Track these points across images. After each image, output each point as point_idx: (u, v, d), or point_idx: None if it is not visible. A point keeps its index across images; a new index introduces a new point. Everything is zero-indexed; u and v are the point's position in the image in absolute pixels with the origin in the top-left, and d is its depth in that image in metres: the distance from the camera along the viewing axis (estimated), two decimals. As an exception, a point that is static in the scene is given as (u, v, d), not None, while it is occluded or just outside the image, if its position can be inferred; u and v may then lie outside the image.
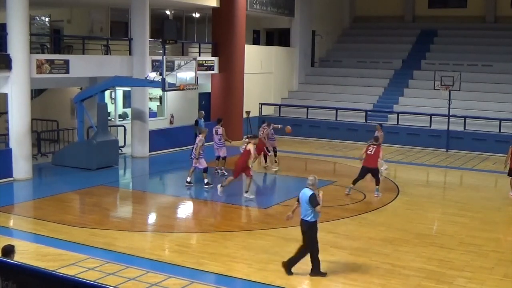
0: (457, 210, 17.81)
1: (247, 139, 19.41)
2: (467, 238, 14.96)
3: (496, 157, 25.91)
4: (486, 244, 14.48)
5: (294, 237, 14.67)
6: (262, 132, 23.07)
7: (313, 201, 11.95)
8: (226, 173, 21.13)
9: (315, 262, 12.24)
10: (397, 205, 18.29)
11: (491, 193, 20.97)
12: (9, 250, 8.91)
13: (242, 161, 18.67)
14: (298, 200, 12.44)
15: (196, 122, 24.78)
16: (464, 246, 14.27)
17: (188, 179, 19.99)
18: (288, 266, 12.27)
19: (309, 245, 12.23)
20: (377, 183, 19.22)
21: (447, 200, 19.36)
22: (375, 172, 19.21)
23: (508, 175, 19.59)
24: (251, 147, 18.48)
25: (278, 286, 11.63)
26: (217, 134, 21.88)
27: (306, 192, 12.16)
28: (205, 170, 19.84)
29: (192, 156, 20.14)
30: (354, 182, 19.07)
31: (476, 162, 25.56)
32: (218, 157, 22.01)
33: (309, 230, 12.16)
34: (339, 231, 15.35)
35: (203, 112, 25.97)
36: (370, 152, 19.05)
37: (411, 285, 11.88)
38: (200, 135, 19.97)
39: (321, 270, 12.26)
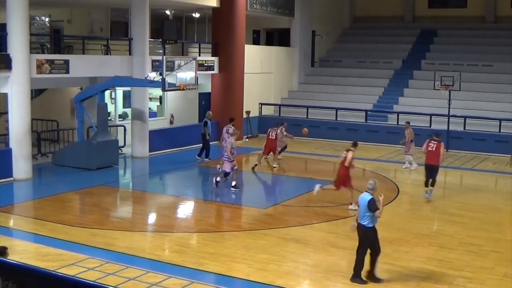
0: (457, 210, 17.80)
1: (350, 148, 17.61)
2: (467, 238, 14.96)
3: (496, 157, 25.96)
4: (486, 244, 14.48)
5: (294, 237, 14.73)
6: (276, 132, 23.36)
7: (372, 206, 11.66)
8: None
9: (359, 267, 11.90)
10: (397, 205, 18.30)
11: (491, 193, 20.96)
12: (1, 252, 8.91)
13: (343, 172, 17.39)
14: (358, 204, 12.20)
15: (205, 123, 24.72)
16: (464, 246, 14.27)
17: (233, 183, 19.43)
18: (370, 277, 11.95)
19: (376, 249, 11.91)
20: (433, 183, 18.73)
21: (447, 200, 19.33)
22: (434, 170, 18.74)
23: None
24: (350, 155, 17.33)
25: (278, 286, 11.62)
26: (227, 133, 22.18)
27: (366, 197, 11.85)
28: (226, 174, 19.43)
29: (224, 159, 19.48)
30: (426, 184, 18.83)
31: (476, 162, 25.56)
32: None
33: (365, 237, 11.83)
34: (340, 231, 15.33)
35: (211, 112, 25.91)
36: (431, 149, 18.75)
37: (411, 285, 11.88)
38: (232, 137, 19.63)
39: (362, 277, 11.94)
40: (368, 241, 11.83)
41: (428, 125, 29.09)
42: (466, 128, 28.29)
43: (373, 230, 11.85)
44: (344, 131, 30.43)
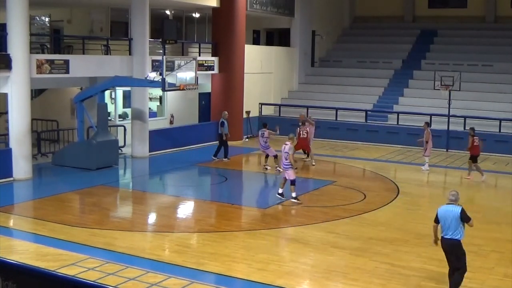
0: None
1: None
2: (466, 238, 14.84)
3: (496, 157, 25.94)
4: (486, 244, 14.48)
5: (294, 237, 14.74)
6: (307, 130, 24.05)
7: (465, 216, 11.21)
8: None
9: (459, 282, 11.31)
10: (397, 205, 18.29)
11: (491, 193, 20.98)
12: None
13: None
14: (436, 221, 11.51)
15: (222, 123, 24.66)
16: (464, 246, 14.23)
17: (280, 190, 18.33)
18: None
19: (463, 265, 11.32)
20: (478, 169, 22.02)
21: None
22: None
23: None
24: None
25: (278, 286, 11.62)
26: (262, 136, 22.88)
27: (453, 209, 11.28)
28: (293, 182, 18.00)
29: (285, 166, 18.17)
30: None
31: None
32: (267, 156, 23.17)
33: (461, 249, 11.31)
34: (339, 231, 15.33)
35: (227, 112, 25.72)
36: (476, 144, 21.97)
37: (411, 285, 11.88)
38: (289, 143, 18.20)
39: None
40: (459, 256, 11.27)
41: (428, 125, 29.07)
42: (466, 128, 28.26)
43: (461, 244, 11.32)
44: (344, 131, 30.45)
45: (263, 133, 22.85)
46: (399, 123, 29.89)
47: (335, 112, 31.41)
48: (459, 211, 11.18)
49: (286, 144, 18.19)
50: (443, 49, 36.18)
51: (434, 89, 28.43)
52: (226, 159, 24.57)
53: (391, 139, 28.63)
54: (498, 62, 33.38)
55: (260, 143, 23.03)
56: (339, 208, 17.59)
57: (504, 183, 22.25)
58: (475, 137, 22.11)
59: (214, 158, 24.62)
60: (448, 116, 27.83)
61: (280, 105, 33.47)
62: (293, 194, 17.88)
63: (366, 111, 31.18)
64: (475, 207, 18.22)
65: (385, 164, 24.84)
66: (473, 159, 22.08)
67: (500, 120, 28.03)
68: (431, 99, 30.67)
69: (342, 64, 37.02)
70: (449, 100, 27.66)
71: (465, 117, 28.59)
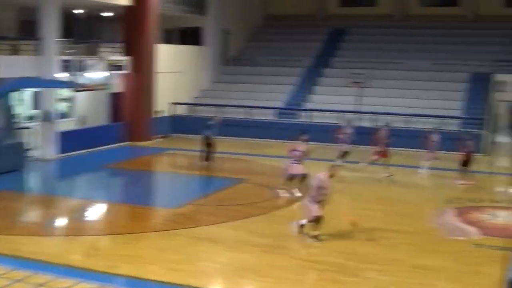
0: (372, 205, 18.16)
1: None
2: (377, 231, 15.23)
3: (408, 152, 26.35)
4: (397, 237, 14.80)
5: (206, 236, 14.66)
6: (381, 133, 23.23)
7: None
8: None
9: None
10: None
11: (405, 187, 21.45)
12: None
13: None
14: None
15: (209, 126, 23.55)
16: (376, 239, 14.53)
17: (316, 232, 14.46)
18: None
19: None
20: None
21: (359, 195, 19.68)
22: None
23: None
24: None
25: (192, 286, 11.50)
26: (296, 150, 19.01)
27: None
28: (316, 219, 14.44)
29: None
30: None
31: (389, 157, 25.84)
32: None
33: None
34: (251, 228, 15.35)
35: (217, 116, 24.82)
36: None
37: (324, 279, 12.01)
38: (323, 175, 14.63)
39: None
40: None
41: (339, 122, 29.50)
42: (378, 124, 28.82)
43: None
44: (256, 129, 30.52)
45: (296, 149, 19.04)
46: (310, 120, 30.24)
47: (248, 110, 31.47)
48: None
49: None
50: (354, 47, 36.79)
51: (345, 86, 28.91)
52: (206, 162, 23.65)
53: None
54: (408, 60, 34.25)
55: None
56: (251, 205, 17.63)
57: (417, 177, 22.84)
58: (468, 142, 22.26)
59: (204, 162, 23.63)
60: (359, 112, 28.32)
61: (193, 104, 33.30)
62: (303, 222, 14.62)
63: (277, 108, 31.43)
64: (386, 201, 18.66)
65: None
66: (465, 164, 21.98)
67: (411, 115, 28.86)
68: (342, 96, 31.12)
69: (255, 63, 37.09)
70: (360, 97, 28.13)
71: (376, 113, 29.20)
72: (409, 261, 13.20)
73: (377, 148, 22.88)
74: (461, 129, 27.91)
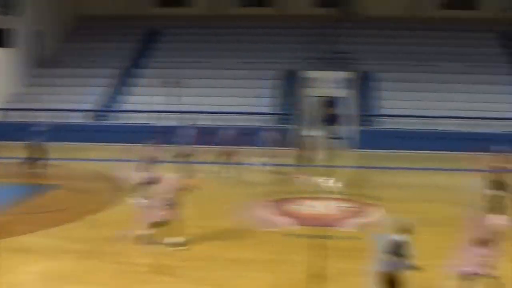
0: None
1: None
2: (192, 228, 15.21)
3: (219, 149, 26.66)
4: (212, 233, 15.13)
5: (20, 247, 14.07)
6: None
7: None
8: None
9: None
10: (125, 204, 18.08)
11: (220, 183, 21.87)
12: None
13: None
14: None
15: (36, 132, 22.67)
16: (189, 236, 14.64)
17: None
18: None
19: None
20: None
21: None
22: None
23: None
24: None
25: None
26: None
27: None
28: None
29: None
30: None
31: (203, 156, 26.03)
32: None
33: None
34: (67, 235, 15.08)
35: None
36: None
37: (141, 281, 12.10)
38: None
39: None
40: None
41: (155, 122, 29.62)
42: (199, 123, 29.20)
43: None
44: (72, 133, 29.80)
45: None
46: (127, 122, 30.11)
47: (62, 113, 30.65)
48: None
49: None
50: (169, 48, 37.04)
51: (161, 87, 28.99)
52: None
53: (117, 138, 28.41)
54: (218, 58, 35.14)
55: None
56: (66, 211, 17.28)
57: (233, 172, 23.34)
58: None
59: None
60: (173, 112, 28.42)
61: (3, 109, 31.88)
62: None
63: (92, 111, 30.95)
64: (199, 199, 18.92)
65: (112, 164, 24.40)
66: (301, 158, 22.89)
67: (226, 113, 29.62)
68: (158, 96, 31.24)
69: (69, 64, 36.17)
70: (176, 97, 28.28)
71: (194, 112, 29.67)
72: (223, 255, 13.63)
73: (221, 148, 23.05)
74: (278, 126, 28.81)
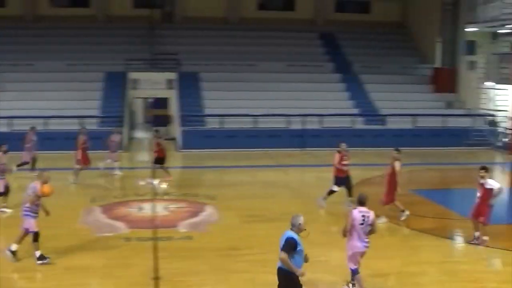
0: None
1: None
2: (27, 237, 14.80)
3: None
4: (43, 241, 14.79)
5: None
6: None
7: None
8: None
9: None
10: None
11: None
12: None
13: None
14: None
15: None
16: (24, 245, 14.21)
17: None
18: None
19: None
20: None
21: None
22: None
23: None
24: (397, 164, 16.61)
25: None
26: None
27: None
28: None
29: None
30: None
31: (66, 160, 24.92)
32: None
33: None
34: None
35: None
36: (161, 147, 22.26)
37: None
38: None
39: None
40: None
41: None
42: (13, 128, 28.32)
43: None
44: None
45: None
46: None
47: None
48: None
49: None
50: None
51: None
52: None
53: None
54: (39, 61, 34.12)
55: None
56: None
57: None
58: (159, 139, 22.74)
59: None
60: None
61: None
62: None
63: None
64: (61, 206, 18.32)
65: None
66: (160, 161, 22.36)
67: (48, 117, 28.82)
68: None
69: None
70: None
71: (12, 117, 28.71)
72: (60, 263, 13.23)
73: (78, 154, 22.27)
74: (108, 128, 27.85)
